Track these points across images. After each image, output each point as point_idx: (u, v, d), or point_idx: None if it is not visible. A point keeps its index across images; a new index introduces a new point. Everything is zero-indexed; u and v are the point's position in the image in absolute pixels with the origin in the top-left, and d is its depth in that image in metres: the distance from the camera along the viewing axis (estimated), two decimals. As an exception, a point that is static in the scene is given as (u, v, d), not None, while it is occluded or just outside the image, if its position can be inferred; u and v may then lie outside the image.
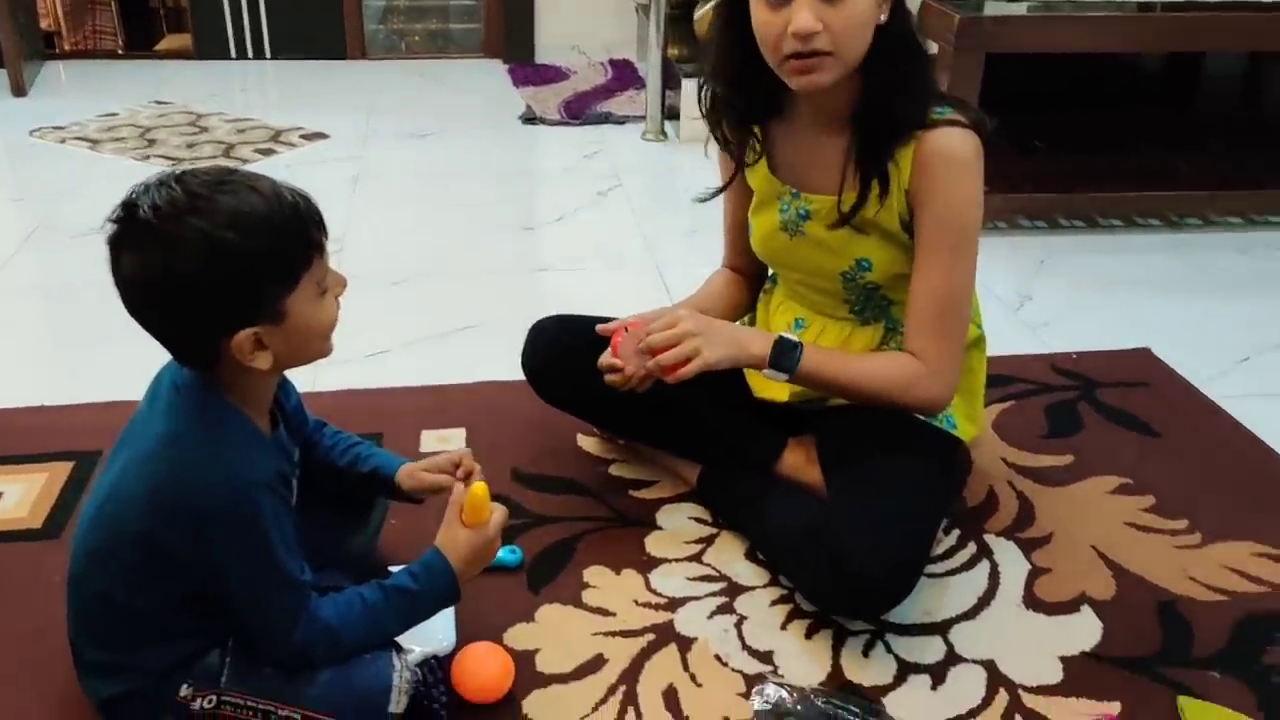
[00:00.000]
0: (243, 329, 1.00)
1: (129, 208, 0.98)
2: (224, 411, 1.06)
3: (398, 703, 1.12)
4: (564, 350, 1.57)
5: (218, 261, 0.97)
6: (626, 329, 1.37)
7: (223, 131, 3.27)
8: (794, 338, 1.36)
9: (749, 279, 1.62)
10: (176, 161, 2.99)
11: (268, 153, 3.10)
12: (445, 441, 1.70)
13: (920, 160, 1.31)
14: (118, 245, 0.99)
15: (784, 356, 1.34)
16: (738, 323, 1.58)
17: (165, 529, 1.02)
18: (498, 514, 1.19)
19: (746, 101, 1.39)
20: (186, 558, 1.03)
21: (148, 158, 3.02)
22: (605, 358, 1.39)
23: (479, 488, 1.16)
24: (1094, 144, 3.03)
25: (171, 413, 1.06)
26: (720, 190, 1.54)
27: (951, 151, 1.30)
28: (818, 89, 1.29)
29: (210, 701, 1.08)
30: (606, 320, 1.43)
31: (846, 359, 1.41)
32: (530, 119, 3.49)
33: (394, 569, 1.27)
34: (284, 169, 2.98)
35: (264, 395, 1.11)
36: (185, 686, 1.07)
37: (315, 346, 1.08)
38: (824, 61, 1.26)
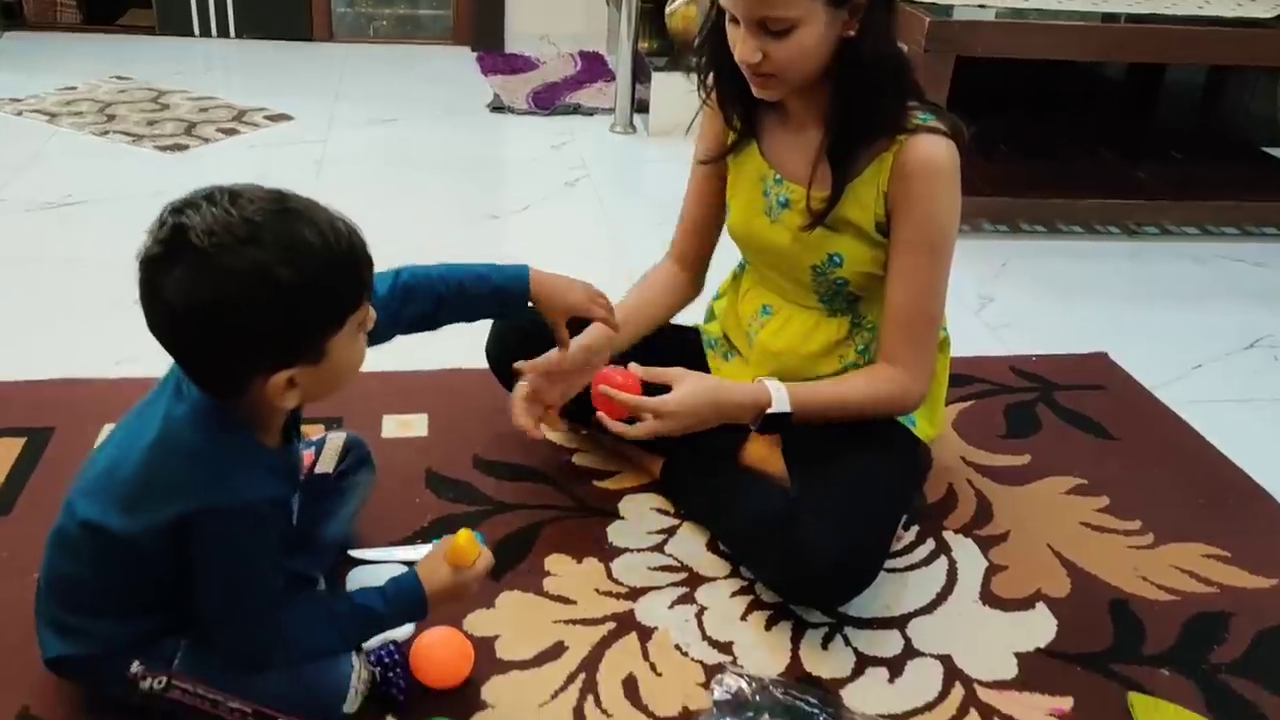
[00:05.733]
0: (281, 369, 0.96)
1: (179, 230, 0.90)
2: (232, 429, 1.01)
3: (352, 703, 1.11)
4: (527, 338, 1.56)
5: (271, 299, 0.91)
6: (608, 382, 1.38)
7: (185, 109, 3.22)
8: (785, 405, 1.35)
9: (693, 271, 1.61)
10: (136, 138, 2.94)
11: (231, 133, 3.05)
12: (407, 427, 1.69)
13: (900, 167, 1.31)
14: (161, 265, 0.91)
15: (772, 424, 1.37)
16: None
17: (153, 531, 1.00)
18: (484, 559, 1.15)
19: (738, 88, 1.40)
20: (169, 557, 1.01)
21: (106, 133, 2.97)
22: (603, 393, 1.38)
23: (464, 534, 1.14)
24: (1056, 150, 3.07)
25: (181, 411, 1.01)
26: (727, 153, 1.47)
27: (933, 160, 1.31)
28: (776, 98, 1.34)
29: (160, 683, 1.06)
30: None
31: (835, 395, 1.39)
32: (498, 108, 3.47)
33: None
34: (247, 150, 2.94)
35: (279, 420, 1.07)
36: (136, 664, 1.06)
37: (341, 383, 1.04)
38: (772, 80, 1.30)
